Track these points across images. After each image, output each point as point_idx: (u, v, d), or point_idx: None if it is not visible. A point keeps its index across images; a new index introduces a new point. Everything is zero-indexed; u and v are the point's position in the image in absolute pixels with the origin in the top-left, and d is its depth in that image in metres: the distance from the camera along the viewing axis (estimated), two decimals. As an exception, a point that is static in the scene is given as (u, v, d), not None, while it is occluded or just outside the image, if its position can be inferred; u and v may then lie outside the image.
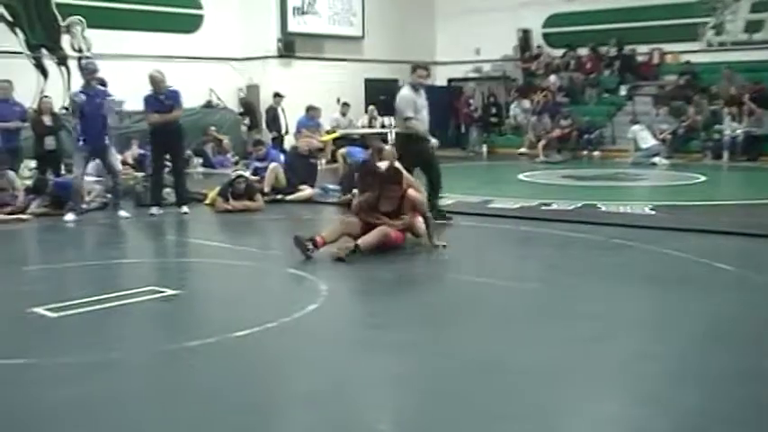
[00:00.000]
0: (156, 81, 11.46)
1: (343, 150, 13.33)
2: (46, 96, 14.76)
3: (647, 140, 18.92)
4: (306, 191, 12.67)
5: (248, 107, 21.31)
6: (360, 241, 7.85)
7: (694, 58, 21.60)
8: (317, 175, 13.40)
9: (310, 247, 7.80)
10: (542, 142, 20.48)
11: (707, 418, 3.95)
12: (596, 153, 20.27)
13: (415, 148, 9.94)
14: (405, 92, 10.15)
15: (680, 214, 10.43)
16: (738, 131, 18.55)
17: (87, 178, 11.93)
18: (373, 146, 13.27)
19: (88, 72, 11.34)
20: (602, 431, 3.96)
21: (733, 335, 5.37)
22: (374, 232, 7.94)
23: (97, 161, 11.81)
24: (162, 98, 11.39)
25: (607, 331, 5.45)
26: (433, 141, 10.16)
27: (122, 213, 11.09)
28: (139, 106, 15.24)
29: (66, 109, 15.28)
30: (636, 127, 19.32)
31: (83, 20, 19.15)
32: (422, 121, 10.01)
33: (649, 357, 4.90)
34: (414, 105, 9.91)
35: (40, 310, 6.04)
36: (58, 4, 18.88)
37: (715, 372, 4.60)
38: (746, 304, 6.20)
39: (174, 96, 11.61)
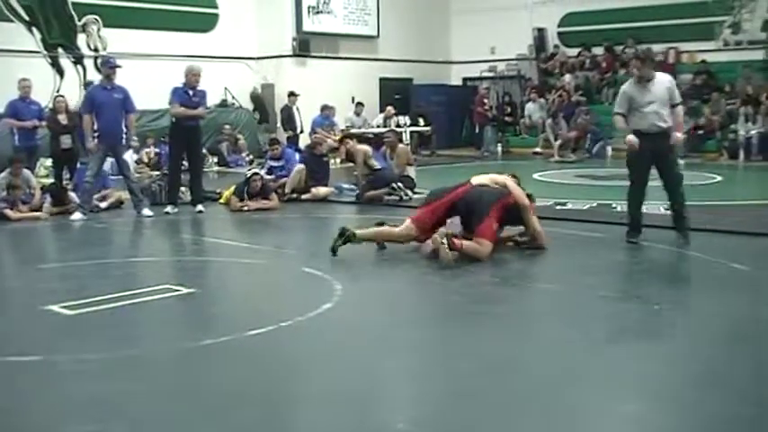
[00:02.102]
0: (194, 73, 11.51)
1: (360, 146, 12.97)
2: (60, 95, 14.81)
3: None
4: (321, 190, 12.67)
5: (257, 102, 21.39)
6: (461, 244, 7.55)
7: (710, 58, 21.49)
8: (329, 174, 13.40)
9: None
10: (558, 142, 20.47)
11: (729, 421, 3.92)
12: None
13: (650, 146, 8.51)
14: (623, 86, 9.11)
15: (696, 214, 10.35)
16: (753, 132, 18.47)
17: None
18: (388, 142, 13.29)
19: (108, 66, 11.34)
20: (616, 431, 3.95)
21: (752, 336, 5.34)
22: (474, 245, 7.64)
23: (111, 160, 11.85)
24: (191, 93, 11.42)
25: (626, 332, 5.44)
26: (677, 136, 8.54)
27: (146, 212, 11.09)
28: (156, 105, 15.29)
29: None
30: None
31: (99, 19, 19.25)
32: (642, 117, 8.52)
33: (668, 359, 4.88)
34: (627, 101, 8.67)
35: (55, 307, 6.07)
36: (74, 4, 18.99)
37: (736, 374, 4.57)
38: (764, 305, 6.16)
39: (202, 96, 11.69)
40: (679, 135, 8.37)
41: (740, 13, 21.48)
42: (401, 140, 17.65)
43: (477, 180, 8.26)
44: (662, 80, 8.64)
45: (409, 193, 12.26)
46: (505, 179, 8.32)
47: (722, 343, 5.19)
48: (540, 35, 24.60)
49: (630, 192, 8.79)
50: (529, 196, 8.35)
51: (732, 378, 4.48)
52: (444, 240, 7.39)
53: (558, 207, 10.98)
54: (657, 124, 8.48)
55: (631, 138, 8.53)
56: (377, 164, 12.43)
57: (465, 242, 7.60)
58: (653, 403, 4.16)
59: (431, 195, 8.39)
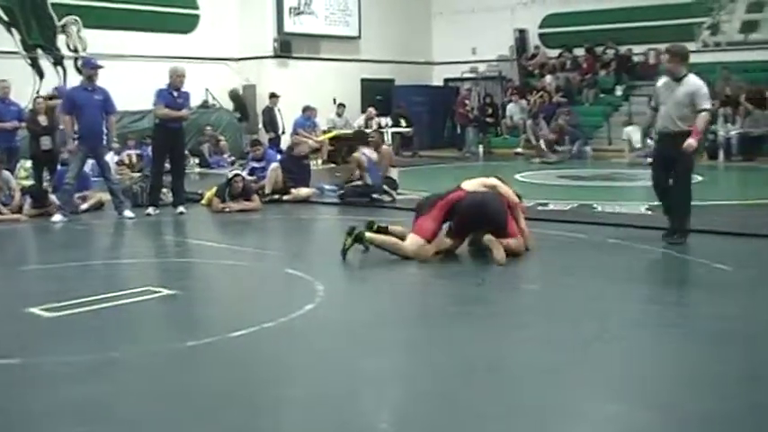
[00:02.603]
0: (178, 74, 11.50)
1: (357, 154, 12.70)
2: (40, 96, 14.72)
3: (642, 140, 18.99)
4: (303, 191, 12.64)
5: (236, 100, 21.33)
6: (508, 241, 7.63)
7: (690, 59, 21.53)
8: (310, 175, 13.38)
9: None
10: (542, 142, 20.53)
11: (710, 421, 3.94)
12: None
13: (663, 147, 8.56)
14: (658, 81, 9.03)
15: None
16: (732, 132, 18.60)
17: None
18: (373, 142, 13.23)
19: (90, 67, 11.29)
20: (600, 431, 3.96)
21: (733, 336, 5.35)
22: (514, 242, 7.74)
23: (92, 162, 11.78)
24: (175, 95, 11.39)
25: (606, 332, 5.45)
26: (688, 142, 8.11)
27: (127, 214, 11.02)
28: (136, 106, 15.21)
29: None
30: (629, 128, 19.41)
31: (78, 20, 19.14)
32: (659, 116, 8.51)
33: (650, 358, 4.91)
34: (655, 96, 8.68)
35: (35, 310, 6.02)
36: (53, 4, 18.87)
37: (717, 374, 4.59)
38: (746, 305, 6.19)
39: (187, 97, 11.71)
40: (691, 141, 8.13)
41: (719, 14, 21.66)
42: (383, 141, 17.64)
43: (469, 186, 8.16)
44: (689, 83, 8.41)
45: (393, 193, 12.24)
46: (494, 181, 8.30)
47: (705, 343, 5.20)
48: (522, 36, 24.67)
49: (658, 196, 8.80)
50: (517, 195, 8.37)
51: (714, 377, 4.50)
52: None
53: (540, 208, 11.00)
54: (667, 126, 8.42)
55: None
56: (369, 179, 12.19)
57: (504, 242, 7.63)
58: (635, 403, 4.17)
59: (423, 204, 8.08)
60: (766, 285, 6.77)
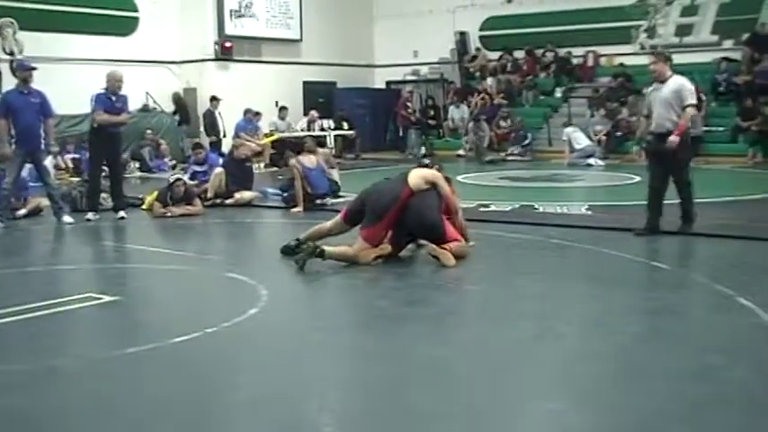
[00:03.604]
0: (116, 78, 11.33)
1: (294, 161, 12.46)
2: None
3: (581, 141, 19.25)
4: (246, 194, 12.57)
5: (177, 103, 21.17)
6: (450, 246, 7.65)
7: (628, 61, 22.00)
8: (253, 179, 13.31)
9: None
10: (483, 144, 20.69)
11: (650, 416, 4.00)
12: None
13: (658, 146, 8.94)
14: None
15: (615, 214, 10.60)
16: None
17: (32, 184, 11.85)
18: (307, 147, 13.17)
19: (23, 69, 11.09)
20: (539, 430, 4.01)
21: (672, 333, 5.45)
22: (458, 245, 7.79)
23: (30, 166, 11.58)
24: (113, 99, 11.25)
25: (549, 331, 5.51)
26: (670, 139, 8.68)
27: (66, 219, 10.85)
28: (75, 110, 14.95)
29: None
30: (568, 129, 19.66)
31: (14, 22, 18.78)
32: (653, 118, 8.96)
33: (591, 356, 4.97)
34: (648, 102, 9.19)
35: (-27, 318, 5.92)
36: (-12, 6, 18.51)
37: (657, 370, 4.66)
38: (684, 302, 6.32)
39: (125, 101, 11.57)
40: (672, 138, 8.63)
41: (655, 18, 22.08)
42: (323, 144, 17.63)
43: (413, 180, 7.93)
44: (673, 82, 8.85)
45: (340, 194, 12.21)
46: (434, 176, 8.13)
47: (647, 340, 5.30)
48: (462, 39, 24.84)
49: (647, 191, 9.17)
50: (447, 179, 8.36)
51: (656, 375, 4.57)
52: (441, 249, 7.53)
53: (482, 209, 11.08)
54: (663, 125, 8.82)
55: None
56: (309, 187, 12.01)
57: (449, 245, 7.66)
58: (575, 401, 4.23)
59: (373, 206, 7.77)
60: (703, 283, 6.91)
